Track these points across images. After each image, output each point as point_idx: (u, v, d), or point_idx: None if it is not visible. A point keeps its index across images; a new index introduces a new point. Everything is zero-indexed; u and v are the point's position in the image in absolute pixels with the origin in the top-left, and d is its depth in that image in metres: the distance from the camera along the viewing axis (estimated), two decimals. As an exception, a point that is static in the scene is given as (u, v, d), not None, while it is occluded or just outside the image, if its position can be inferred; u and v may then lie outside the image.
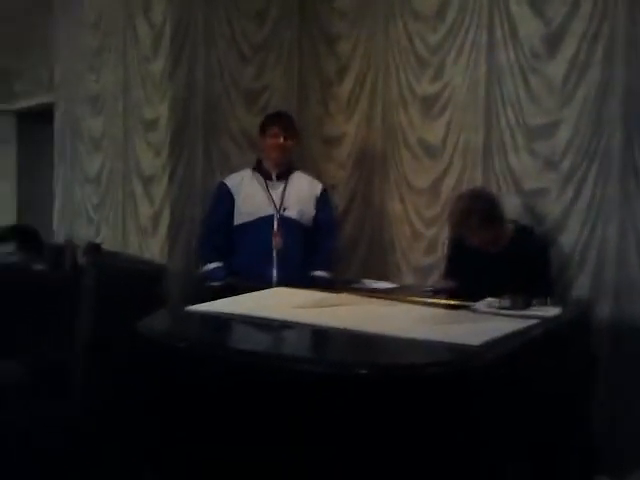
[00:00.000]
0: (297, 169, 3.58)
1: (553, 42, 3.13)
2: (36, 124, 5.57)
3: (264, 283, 2.92)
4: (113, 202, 4.12)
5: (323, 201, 3.55)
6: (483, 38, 3.38)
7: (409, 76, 3.71)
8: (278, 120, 3.47)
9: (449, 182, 3.53)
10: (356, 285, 2.97)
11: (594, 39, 3.00)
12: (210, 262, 3.41)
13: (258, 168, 3.49)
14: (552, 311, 2.25)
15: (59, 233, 4.68)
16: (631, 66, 2.90)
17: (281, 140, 3.42)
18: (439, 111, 3.58)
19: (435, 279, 3.48)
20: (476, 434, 1.73)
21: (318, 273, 3.43)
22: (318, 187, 3.55)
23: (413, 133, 3.70)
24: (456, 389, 1.67)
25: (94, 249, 3.52)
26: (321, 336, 2.11)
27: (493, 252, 2.93)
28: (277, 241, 3.35)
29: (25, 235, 3.85)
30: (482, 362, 1.72)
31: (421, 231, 3.67)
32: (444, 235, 3.49)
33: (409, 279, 3.69)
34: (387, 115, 3.82)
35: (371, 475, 1.71)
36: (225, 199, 3.44)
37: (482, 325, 2.05)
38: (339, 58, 4.03)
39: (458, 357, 1.72)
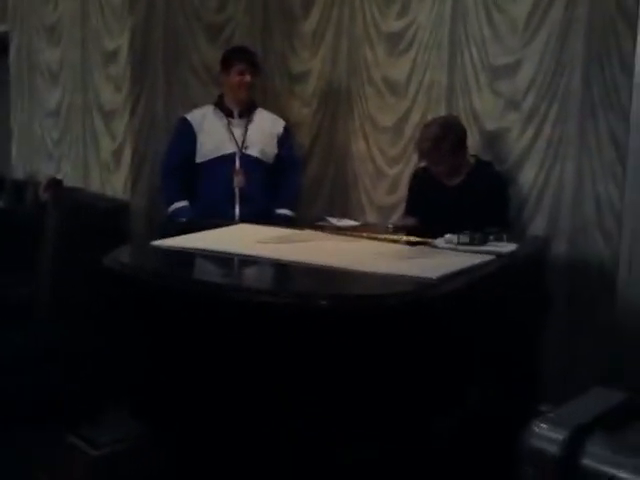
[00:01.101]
0: (259, 106, 3.54)
1: (518, -20, 3.12)
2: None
3: (227, 221, 2.93)
4: (73, 137, 4.05)
5: (285, 139, 3.52)
6: (449, -25, 3.36)
7: (375, 12, 3.67)
8: (243, 56, 3.39)
9: (413, 121, 3.55)
10: (319, 222, 3.00)
11: (558, -21, 3.00)
12: (175, 201, 3.35)
13: (220, 105, 3.43)
14: (508, 247, 2.32)
15: (18, 169, 4.59)
16: (593, 7, 2.91)
17: (248, 78, 3.36)
18: (404, 49, 3.57)
19: (398, 217, 3.54)
20: (433, 361, 1.81)
21: (282, 211, 3.43)
22: (280, 125, 3.52)
23: (378, 70, 3.68)
24: (413, 319, 1.73)
25: (55, 185, 3.48)
26: (283, 270, 2.15)
27: (453, 185, 3.01)
28: (239, 179, 3.32)
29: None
30: (438, 294, 1.78)
31: (384, 170, 3.70)
32: (407, 173, 3.54)
33: (372, 217, 3.74)
34: (352, 52, 3.79)
35: (333, 403, 1.78)
36: (187, 135, 3.37)
37: (440, 260, 2.11)
38: (304, -9, 3.96)
39: (416, 289, 1.77)
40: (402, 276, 1.89)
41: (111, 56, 3.68)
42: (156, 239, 2.44)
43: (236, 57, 3.38)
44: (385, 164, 3.70)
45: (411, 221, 3.13)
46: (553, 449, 1.42)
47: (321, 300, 1.74)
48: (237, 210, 3.32)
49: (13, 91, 4.63)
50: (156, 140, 3.62)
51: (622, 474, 1.34)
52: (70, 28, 4.00)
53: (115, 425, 2.86)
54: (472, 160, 3.05)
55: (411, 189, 3.27)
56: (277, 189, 3.45)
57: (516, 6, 3.13)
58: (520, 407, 2.19)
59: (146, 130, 3.62)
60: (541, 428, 1.46)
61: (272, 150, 3.46)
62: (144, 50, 3.59)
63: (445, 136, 2.89)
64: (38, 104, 4.35)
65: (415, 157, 3.44)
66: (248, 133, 3.39)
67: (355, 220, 3.27)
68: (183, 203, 3.34)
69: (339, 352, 1.75)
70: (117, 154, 3.67)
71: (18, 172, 4.56)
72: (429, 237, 2.46)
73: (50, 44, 4.19)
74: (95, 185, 3.85)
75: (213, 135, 3.36)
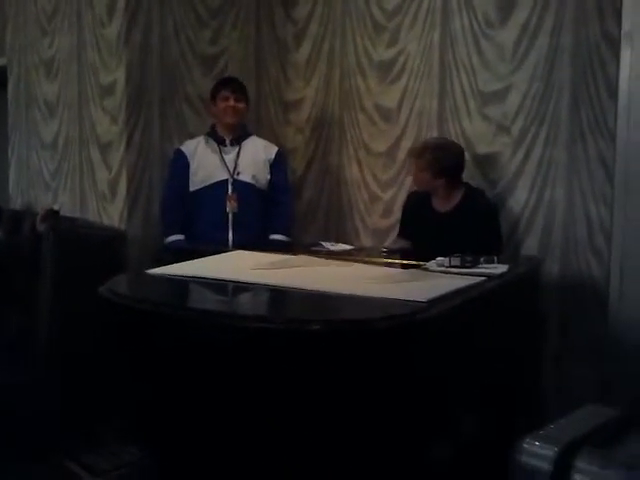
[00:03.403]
0: (252, 134, 3.61)
1: (505, 9, 3.19)
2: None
3: (221, 247, 2.96)
4: (70, 168, 4.10)
5: (278, 164, 3.57)
6: (438, 4, 3.43)
7: (365, 41, 3.75)
8: (227, 84, 3.50)
9: (405, 146, 3.60)
10: (314, 247, 3.03)
11: (544, 7, 3.07)
12: (171, 234, 3.40)
13: (212, 134, 3.50)
14: (499, 269, 2.34)
15: (16, 200, 4.64)
16: (578, 33, 2.98)
17: (231, 102, 3.43)
18: (395, 76, 3.64)
19: (392, 240, 3.58)
20: (424, 384, 1.83)
21: (276, 237, 3.47)
22: (273, 150, 3.58)
23: (370, 98, 3.75)
24: (403, 342, 1.76)
25: (52, 215, 3.50)
26: (277, 296, 2.17)
27: (444, 211, 3.06)
28: (232, 205, 3.37)
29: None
30: (428, 316, 1.80)
31: (378, 194, 3.75)
32: (400, 198, 3.59)
33: (367, 241, 3.78)
34: (344, 80, 3.86)
35: (326, 427, 1.79)
36: (182, 166, 3.43)
37: (431, 283, 2.13)
38: (296, 22, 4.04)
39: (405, 312, 1.79)
40: (393, 299, 1.91)
41: (107, 89, 3.74)
42: (152, 267, 2.46)
43: (220, 86, 3.49)
44: (379, 189, 3.74)
45: (403, 244, 3.17)
46: (543, 465, 1.43)
47: (313, 325, 1.77)
48: (230, 236, 3.36)
49: (11, 123, 4.69)
50: (151, 170, 3.68)
51: (611, 489, 1.36)
52: (66, 62, 4.07)
53: (114, 452, 2.88)
54: (462, 188, 3.10)
55: (404, 212, 3.33)
56: (270, 215, 3.50)
57: (503, 34, 3.20)
58: (515, 428, 2.20)
59: (142, 160, 3.66)
60: (531, 445, 1.47)
61: (264, 176, 3.51)
62: (139, 83, 3.65)
63: (428, 147, 3.06)
64: (35, 136, 4.40)
65: (408, 181, 3.52)
66: (240, 159, 3.45)
67: (349, 244, 3.31)
68: (178, 236, 3.39)
69: (332, 376, 1.77)
70: (113, 184, 3.71)
71: (15, 203, 4.61)
72: (422, 260, 2.49)
73: (47, 78, 4.26)
74: (92, 215, 3.89)
75: (205, 163, 3.42)
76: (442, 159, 3.01)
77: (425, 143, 3.15)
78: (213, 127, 3.53)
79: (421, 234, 3.07)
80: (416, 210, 3.20)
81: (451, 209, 3.05)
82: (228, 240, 3.34)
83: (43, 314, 3.09)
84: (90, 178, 3.91)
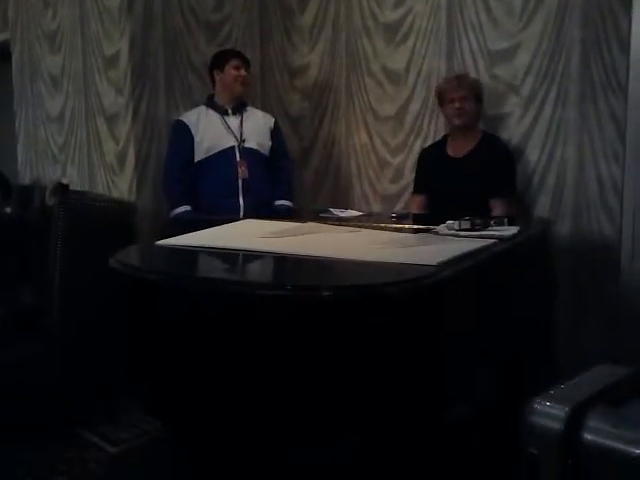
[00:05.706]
0: (248, 104, 3.60)
1: (513, -35, 3.12)
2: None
3: (231, 214, 2.96)
4: (78, 141, 4.09)
5: (277, 131, 3.61)
6: (444, -38, 3.36)
7: (371, 3, 3.68)
8: (237, 53, 3.51)
9: (413, 109, 3.56)
10: (323, 214, 3.02)
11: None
12: (178, 205, 3.38)
13: (211, 104, 3.48)
14: (510, 230, 2.32)
15: (24, 174, 4.64)
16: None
17: (243, 72, 3.44)
18: (402, 38, 3.58)
19: (402, 205, 3.56)
20: (435, 346, 1.82)
21: (281, 202, 3.48)
22: (271, 119, 3.62)
23: (377, 61, 3.70)
24: (412, 306, 1.75)
25: (62, 189, 3.50)
26: (286, 263, 2.16)
27: (460, 156, 3.09)
28: (242, 170, 3.37)
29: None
30: (438, 280, 1.79)
31: (387, 159, 3.71)
32: (410, 162, 3.55)
33: (377, 207, 3.76)
34: (351, 43, 3.80)
35: (339, 393, 1.80)
36: (185, 137, 3.40)
37: (441, 246, 2.11)
38: (300, -16, 3.98)
39: (414, 276, 1.78)
40: (402, 264, 1.91)
41: (111, 60, 3.71)
42: (161, 239, 2.46)
43: (230, 55, 3.48)
44: (388, 154, 3.71)
45: (419, 200, 3.22)
46: (554, 425, 1.43)
47: (323, 291, 1.76)
48: (241, 201, 3.35)
49: (16, 98, 4.68)
50: (159, 141, 3.66)
51: (622, 447, 1.35)
52: (70, 34, 4.03)
53: (132, 422, 2.92)
54: (480, 132, 3.12)
55: (420, 166, 3.33)
56: (273, 181, 3.51)
57: (512, -10, 3.14)
58: (528, 389, 2.20)
59: (149, 131, 3.65)
60: (542, 404, 1.47)
61: (267, 142, 3.52)
62: (143, 53, 3.61)
63: (467, 79, 3.15)
64: (42, 110, 4.39)
65: (417, 146, 3.49)
66: (244, 127, 3.44)
67: (359, 211, 3.29)
68: (185, 207, 3.36)
69: (343, 342, 1.77)
70: (121, 156, 3.70)
71: (25, 177, 4.61)
72: (432, 224, 2.47)
73: (51, 51, 4.23)
74: (101, 188, 3.89)
75: (210, 132, 3.40)
76: (477, 84, 3.13)
77: (456, 74, 3.22)
78: (211, 97, 3.52)
79: (438, 182, 3.11)
80: (432, 160, 3.23)
81: (467, 153, 3.08)
82: (239, 206, 3.34)
83: (54, 287, 3.10)
84: (98, 151, 3.90)
